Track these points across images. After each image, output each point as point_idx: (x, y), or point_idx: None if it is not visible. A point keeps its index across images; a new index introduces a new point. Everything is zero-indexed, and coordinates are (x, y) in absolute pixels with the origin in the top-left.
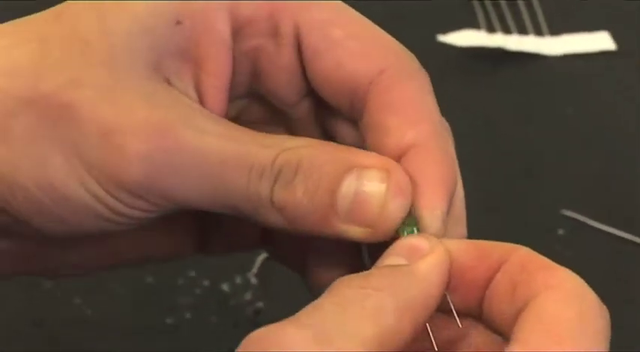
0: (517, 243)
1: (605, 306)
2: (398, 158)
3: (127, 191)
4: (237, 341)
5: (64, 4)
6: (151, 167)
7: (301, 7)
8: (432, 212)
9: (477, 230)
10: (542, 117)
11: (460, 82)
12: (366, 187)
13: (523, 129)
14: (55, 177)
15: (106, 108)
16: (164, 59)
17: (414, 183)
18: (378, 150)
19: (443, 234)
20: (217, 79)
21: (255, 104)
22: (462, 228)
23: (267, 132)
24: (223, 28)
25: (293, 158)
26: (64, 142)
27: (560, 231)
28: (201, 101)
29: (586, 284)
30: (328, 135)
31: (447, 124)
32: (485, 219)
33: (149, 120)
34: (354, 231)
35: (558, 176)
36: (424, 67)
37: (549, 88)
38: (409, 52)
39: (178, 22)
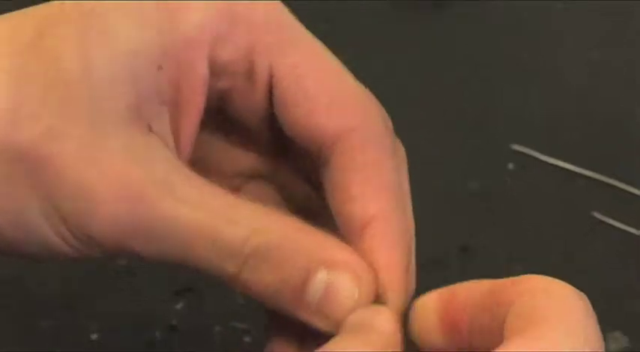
0: (469, 178)
1: (581, 293)
2: (361, 227)
3: (96, 243)
4: (192, 281)
5: (45, 19)
6: (121, 228)
7: (278, 50)
8: (396, 294)
9: (428, 167)
10: (490, 52)
11: (404, 19)
12: (338, 289)
13: (471, 65)
14: (30, 219)
15: (84, 164)
16: (145, 104)
17: (376, 261)
18: (343, 216)
19: (405, 306)
20: (192, 120)
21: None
22: (412, 278)
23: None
24: (203, 73)
25: (262, 244)
26: (39, 190)
27: (510, 166)
28: (176, 141)
29: (553, 279)
30: (290, 153)
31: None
32: (435, 154)
33: (125, 182)
34: (320, 322)
35: (508, 111)
36: (361, 6)
37: (496, 23)
38: (378, 107)
39: (160, 67)
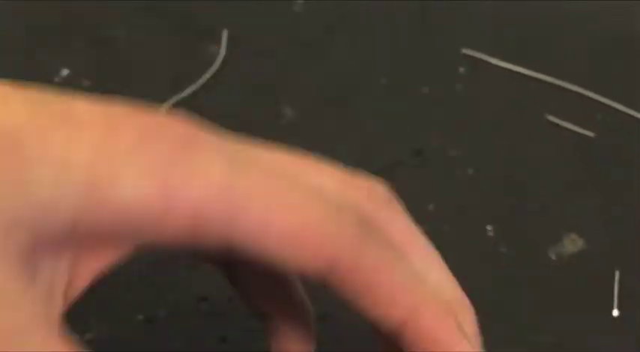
0: (418, 82)
1: None
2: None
3: None
4: None
5: None
6: None
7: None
8: None
9: (378, 73)
10: None
11: None
12: None
13: None
14: None
15: None
16: (42, 254)
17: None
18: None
19: None
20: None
21: None
22: None
23: None
24: (121, 239)
25: None
26: None
27: (461, 70)
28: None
29: None
30: None
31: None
32: (385, 60)
33: None
34: None
35: (455, 15)
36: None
37: None
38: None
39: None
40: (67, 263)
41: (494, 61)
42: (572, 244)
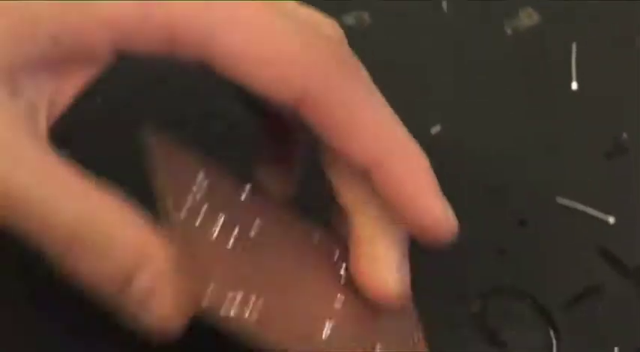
0: None
1: None
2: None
3: None
4: None
5: None
6: None
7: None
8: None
9: None
10: None
11: None
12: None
13: None
14: None
15: None
16: (24, 71)
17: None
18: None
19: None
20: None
21: None
22: None
23: None
24: (101, 49)
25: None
26: None
27: None
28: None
29: None
30: None
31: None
32: None
33: None
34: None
35: None
36: None
37: None
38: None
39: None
40: (48, 80)
41: None
42: (528, 18)
